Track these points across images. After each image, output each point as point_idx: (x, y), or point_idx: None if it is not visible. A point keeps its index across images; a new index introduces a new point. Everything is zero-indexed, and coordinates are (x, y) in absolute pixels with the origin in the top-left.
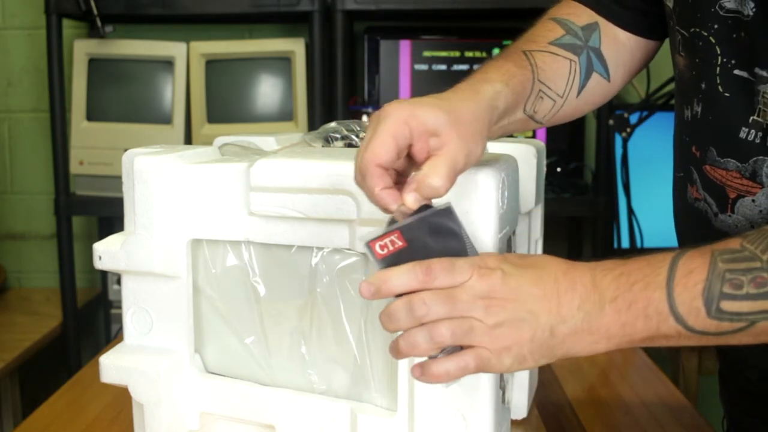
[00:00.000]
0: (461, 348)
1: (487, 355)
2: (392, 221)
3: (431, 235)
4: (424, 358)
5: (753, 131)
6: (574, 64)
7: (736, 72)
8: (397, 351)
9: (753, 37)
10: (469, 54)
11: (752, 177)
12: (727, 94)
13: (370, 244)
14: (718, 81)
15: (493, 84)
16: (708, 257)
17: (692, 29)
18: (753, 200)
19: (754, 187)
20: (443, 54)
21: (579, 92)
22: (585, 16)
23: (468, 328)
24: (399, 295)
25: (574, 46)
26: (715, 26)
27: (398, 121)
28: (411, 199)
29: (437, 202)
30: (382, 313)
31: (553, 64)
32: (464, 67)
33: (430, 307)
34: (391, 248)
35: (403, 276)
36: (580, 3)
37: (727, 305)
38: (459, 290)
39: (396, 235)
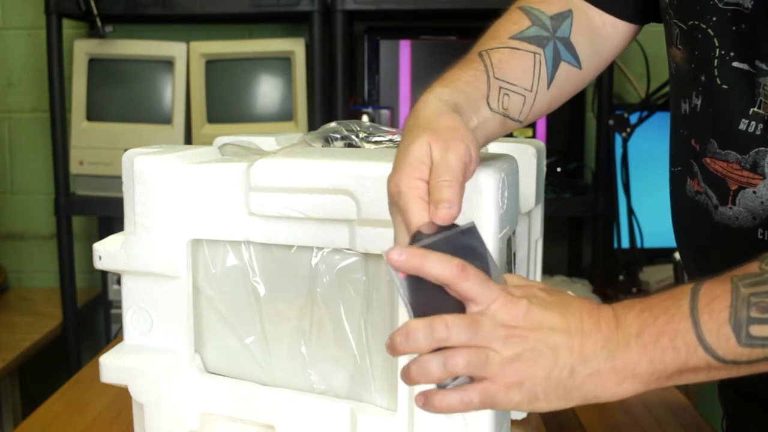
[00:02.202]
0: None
1: (494, 391)
2: (415, 238)
3: (455, 255)
4: (431, 386)
5: (753, 123)
6: (539, 57)
7: (735, 64)
8: (408, 377)
9: (753, 29)
10: None
11: (753, 168)
12: (725, 86)
13: (392, 263)
14: (716, 73)
15: (432, 92)
16: (728, 284)
17: (690, 22)
18: (754, 192)
19: (754, 179)
20: (443, 54)
21: (549, 84)
22: (558, 3)
23: (484, 359)
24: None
25: (538, 38)
26: (714, 19)
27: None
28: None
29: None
30: (398, 333)
31: (512, 60)
32: None
33: (451, 331)
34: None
35: (440, 264)
36: None
37: (757, 330)
38: (481, 317)
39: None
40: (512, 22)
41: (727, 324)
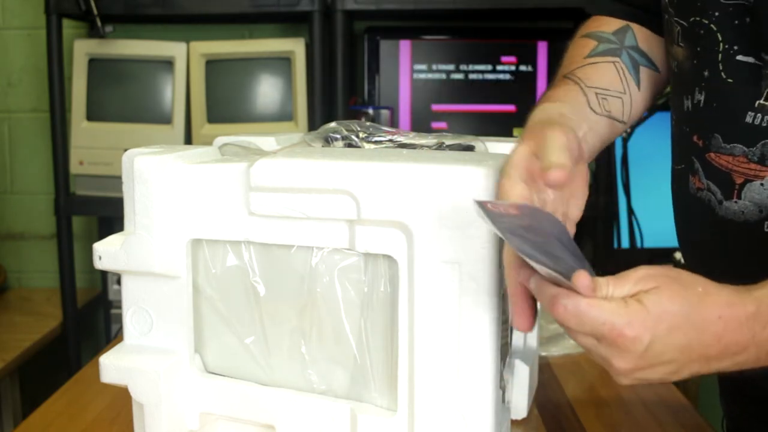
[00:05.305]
0: None
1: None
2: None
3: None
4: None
5: (760, 115)
6: (618, 64)
7: (740, 58)
8: None
9: (758, 22)
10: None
11: (761, 161)
12: (730, 80)
13: (482, 202)
14: (721, 68)
15: (538, 106)
16: None
17: (692, 18)
18: (761, 184)
19: (762, 171)
20: (443, 54)
21: (638, 86)
22: (614, 23)
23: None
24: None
25: (610, 50)
26: (716, 14)
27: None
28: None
29: None
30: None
31: (597, 72)
32: (464, 67)
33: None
34: (502, 210)
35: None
36: (605, 16)
37: None
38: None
39: (509, 204)
40: (581, 47)
41: None
